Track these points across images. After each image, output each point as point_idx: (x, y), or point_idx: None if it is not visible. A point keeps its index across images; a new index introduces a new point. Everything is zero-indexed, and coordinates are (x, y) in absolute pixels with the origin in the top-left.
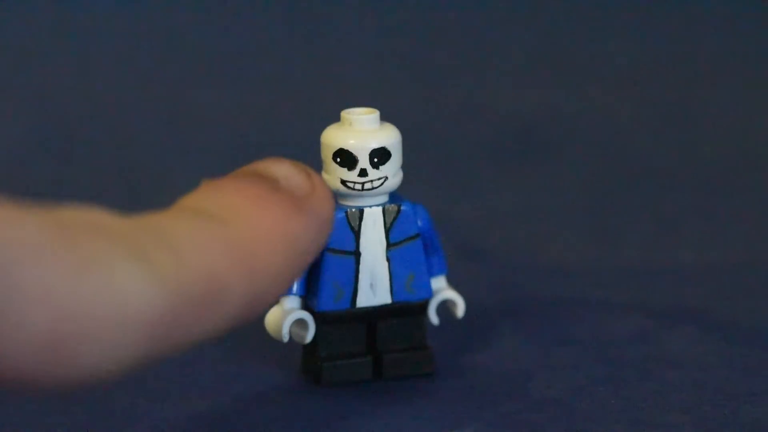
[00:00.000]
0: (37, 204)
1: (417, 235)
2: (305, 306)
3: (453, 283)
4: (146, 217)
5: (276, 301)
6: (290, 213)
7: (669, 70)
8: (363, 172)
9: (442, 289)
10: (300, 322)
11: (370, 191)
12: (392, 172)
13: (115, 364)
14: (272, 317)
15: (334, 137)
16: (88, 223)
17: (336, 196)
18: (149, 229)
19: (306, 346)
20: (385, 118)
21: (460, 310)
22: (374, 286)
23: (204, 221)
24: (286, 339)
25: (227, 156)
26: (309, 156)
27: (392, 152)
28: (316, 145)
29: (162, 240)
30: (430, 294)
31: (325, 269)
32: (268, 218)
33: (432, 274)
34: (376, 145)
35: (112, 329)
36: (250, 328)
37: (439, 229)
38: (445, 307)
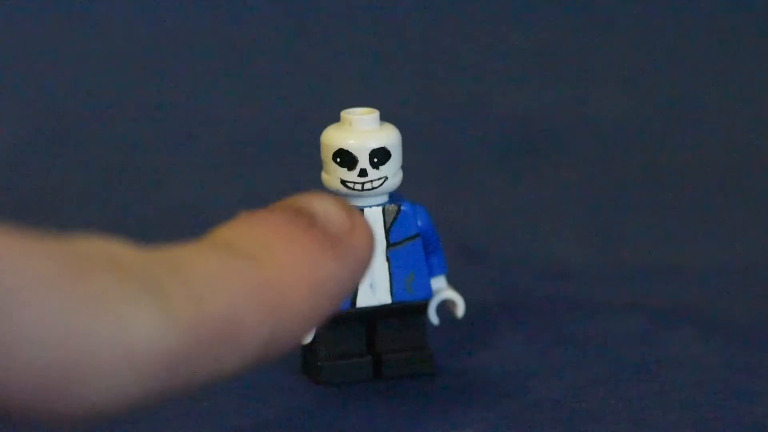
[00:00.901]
0: (48, 233)
1: (417, 235)
2: None
3: (453, 283)
4: (168, 250)
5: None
6: (325, 254)
7: (670, 70)
8: (363, 172)
9: (442, 289)
10: None
11: (370, 191)
12: (392, 172)
13: (122, 401)
14: None
15: (333, 137)
16: (102, 256)
17: (336, 196)
18: (169, 264)
19: (306, 346)
20: (385, 118)
21: (460, 310)
22: (374, 286)
23: (232, 258)
24: None
25: (227, 156)
26: (309, 156)
27: (392, 152)
28: (316, 145)
29: (181, 276)
30: (430, 294)
31: None
32: (301, 258)
33: (432, 274)
34: (375, 145)
35: (120, 368)
36: None
37: (439, 229)
38: (445, 307)
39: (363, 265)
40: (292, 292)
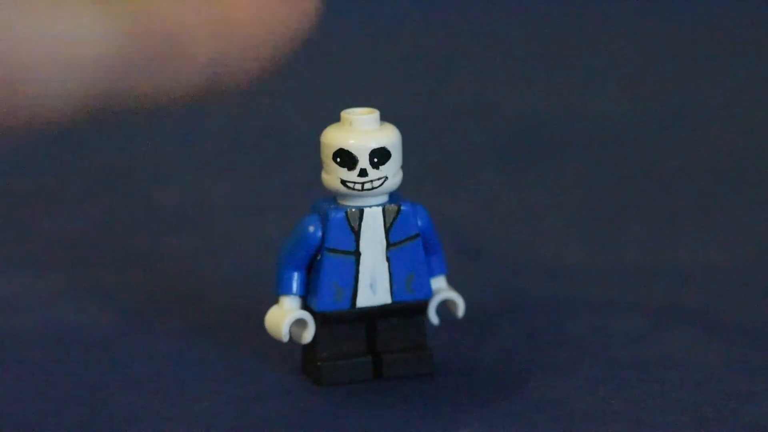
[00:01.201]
0: None
1: (417, 235)
2: (305, 306)
3: (453, 283)
4: None
5: (276, 301)
6: None
7: (669, 71)
8: (363, 172)
9: (442, 289)
10: (300, 322)
11: (370, 191)
12: (392, 172)
13: (67, 103)
14: (272, 317)
15: (334, 137)
16: None
17: (336, 196)
18: None
19: (306, 346)
20: (385, 118)
21: (460, 310)
22: (374, 286)
23: None
24: (286, 339)
25: (227, 156)
26: (309, 156)
27: (392, 152)
28: (316, 145)
29: None
30: (430, 294)
31: (325, 269)
32: None
33: (432, 274)
34: (376, 145)
35: (65, 71)
36: (249, 327)
37: (439, 229)
38: (445, 307)
39: (308, 18)
40: (238, 18)
